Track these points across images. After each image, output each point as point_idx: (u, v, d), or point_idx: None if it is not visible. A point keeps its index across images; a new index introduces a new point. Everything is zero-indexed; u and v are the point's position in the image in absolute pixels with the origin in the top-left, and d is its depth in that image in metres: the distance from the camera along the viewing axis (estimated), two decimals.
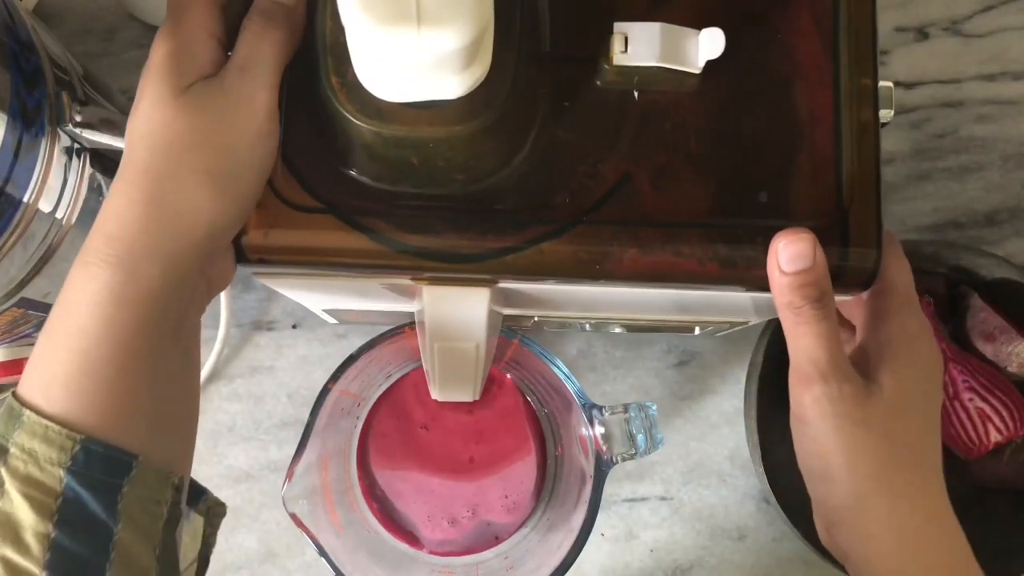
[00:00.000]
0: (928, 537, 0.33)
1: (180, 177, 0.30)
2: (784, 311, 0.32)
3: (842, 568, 0.36)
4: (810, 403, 0.32)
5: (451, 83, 0.28)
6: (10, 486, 0.28)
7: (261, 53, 0.31)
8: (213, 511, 0.35)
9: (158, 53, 0.31)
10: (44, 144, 0.40)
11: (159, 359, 0.30)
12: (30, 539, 0.27)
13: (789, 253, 0.31)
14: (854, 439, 0.32)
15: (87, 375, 0.29)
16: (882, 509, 0.33)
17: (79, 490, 0.28)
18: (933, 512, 0.33)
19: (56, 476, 0.28)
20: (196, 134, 0.30)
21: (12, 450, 0.28)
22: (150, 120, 0.30)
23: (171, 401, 0.32)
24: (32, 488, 0.28)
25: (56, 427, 0.28)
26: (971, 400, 0.51)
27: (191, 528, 0.34)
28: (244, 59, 0.31)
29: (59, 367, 0.29)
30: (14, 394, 0.29)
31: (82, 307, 0.29)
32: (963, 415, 0.51)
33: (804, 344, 0.32)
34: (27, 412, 0.28)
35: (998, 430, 0.50)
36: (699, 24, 0.32)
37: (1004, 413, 0.51)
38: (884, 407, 0.33)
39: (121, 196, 0.30)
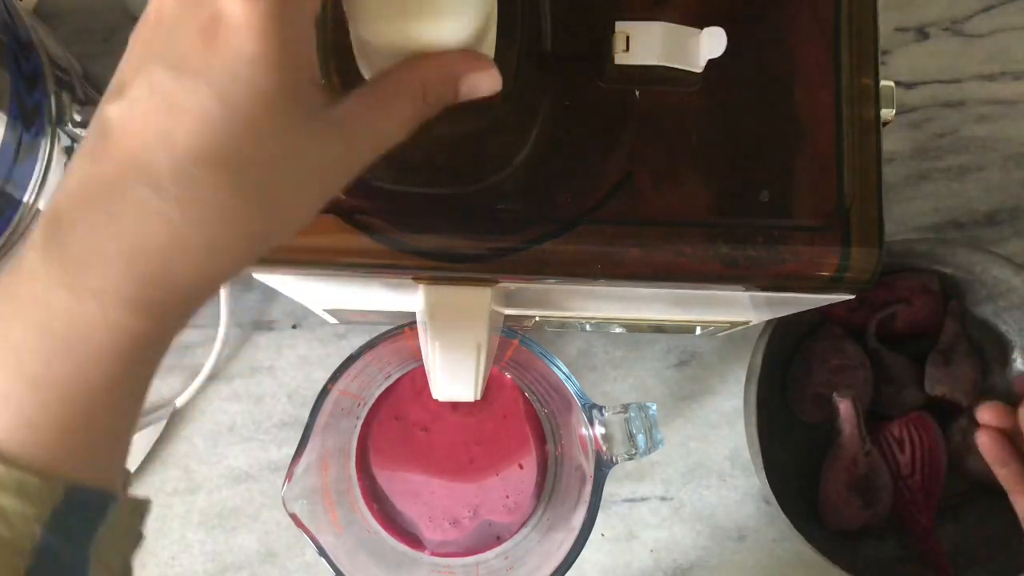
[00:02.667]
0: None
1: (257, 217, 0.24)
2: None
3: (846, 569, 0.36)
4: None
5: None
6: None
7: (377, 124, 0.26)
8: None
9: (266, 39, 0.23)
10: (44, 144, 0.40)
11: (147, 391, 0.27)
12: None
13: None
14: None
15: (78, 429, 0.24)
16: None
17: (54, 542, 0.24)
18: None
19: (28, 533, 0.24)
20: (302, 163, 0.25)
21: None
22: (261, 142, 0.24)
23: (135, 421, 0.28)
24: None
25: (34, 480, 0.23)
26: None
27: None
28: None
29: (36, 414, 0.24)
30: None
31: (88, 355, 0.24)
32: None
33: None
34: None
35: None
36: (700, 23, 0.32)
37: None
38: None
39: (162, 222, 0.23)
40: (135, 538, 0.28)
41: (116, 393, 0.25)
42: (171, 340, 0.26)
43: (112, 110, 0.23)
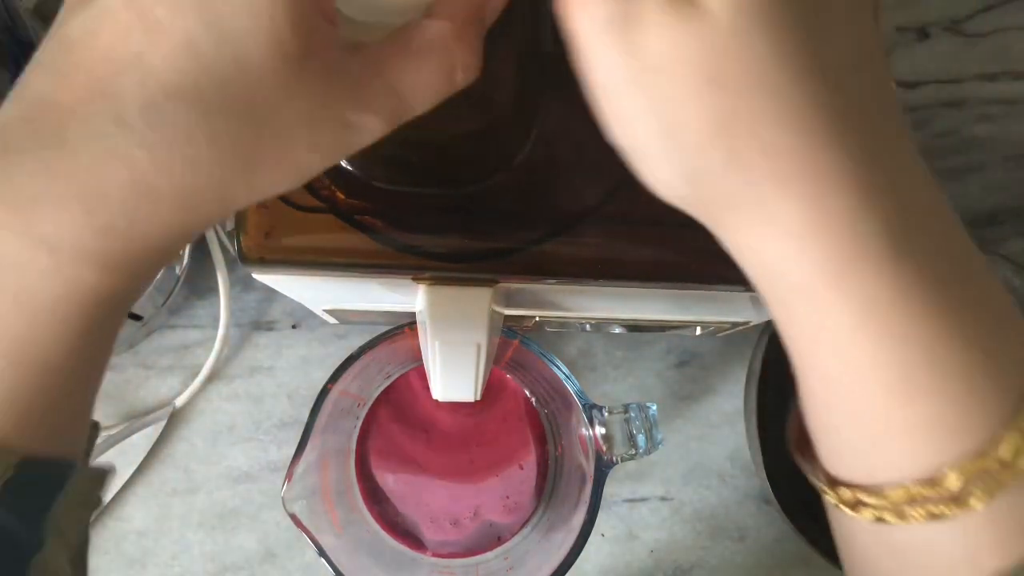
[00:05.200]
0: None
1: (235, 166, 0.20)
2: None
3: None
4: (579, 35, 0.21)
5: None
6: None
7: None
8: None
9: None
10: None
11: (110, 350, 0.24)
12: None
13: None
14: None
15: (32, 394, 0.21)
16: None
17: (5, 518, 0.21)
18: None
19: None
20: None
21: None
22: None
23: (98, 383, 0.25)
24: None
25: None
26: None
27: None
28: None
29: None
30: None
31: (40, 311, 0.21)
32: None
33: None
34: None
35: None
36: None
37: None
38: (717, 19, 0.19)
39: (127, 165, 0.19)
40: (94, 504, 0.25)
41: (74, 356, 0.22)
42: (137, 296, 0.23)
43: (76, 21, 0.20)
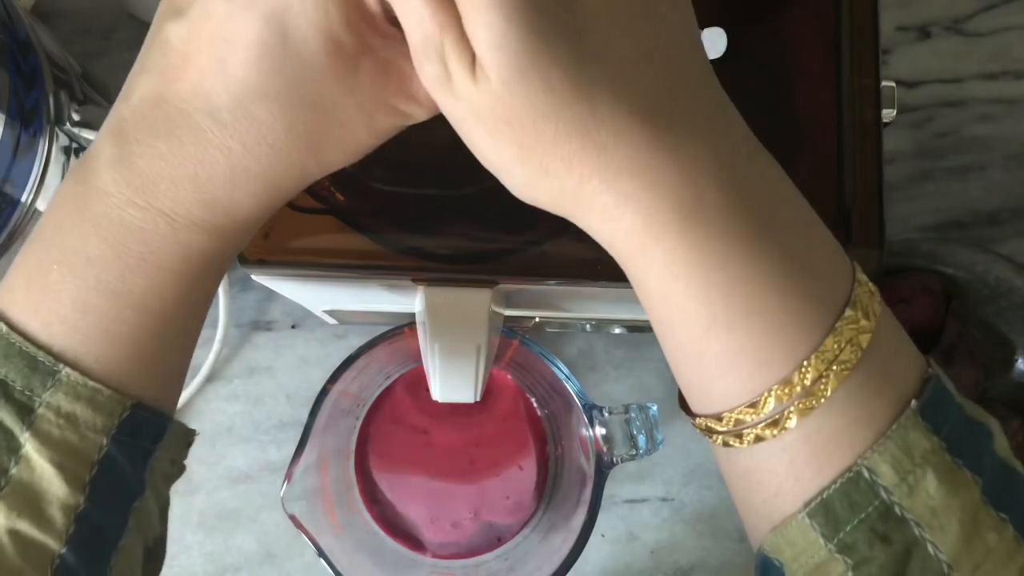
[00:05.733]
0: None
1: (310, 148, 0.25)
2: None
3: None
4: (429, 89, 0.24)
5: None
6: (35, 453, 0.24)
7: None
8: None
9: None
10: (42, 143, 0.40)
11: (207, 310, 0.28)
12: (54, 512, 0.24)
13: None
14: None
15: (149, 338, 0.26)
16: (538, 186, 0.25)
17: (117, 458, 0.25)
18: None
19: (96, 443, 0.25)
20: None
21: (43, 413, 0.24)
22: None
23: (192, 350, 0.29)
24: (67, 457, 0.24)
25: (106, 391, 0.25)
26: None
27: None
28: None
29: (113, 323, 0.25)
30: (34, 342, 0.25)
31: (160, 269, 0.25)
32: None
33: (399, 6, 0.23)
34: (66, 370, 0.25)
35: None
36: (700, 24, 0.32)
37: None
38: (485, 78, 0.22)
39: (224, 153, 0.24)
40: (179, 468, 0.30)
41: (183, 307, 0.26)
42: (231, 258, 0.27)
43: (171, 29, 0.24)
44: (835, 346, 0.24)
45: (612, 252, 0.26)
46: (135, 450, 0.26)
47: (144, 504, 0.27)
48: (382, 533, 0.50)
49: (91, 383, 0.25)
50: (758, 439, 0.25)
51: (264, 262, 0.33)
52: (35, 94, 0.40)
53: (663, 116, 0.23)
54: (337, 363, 0.44)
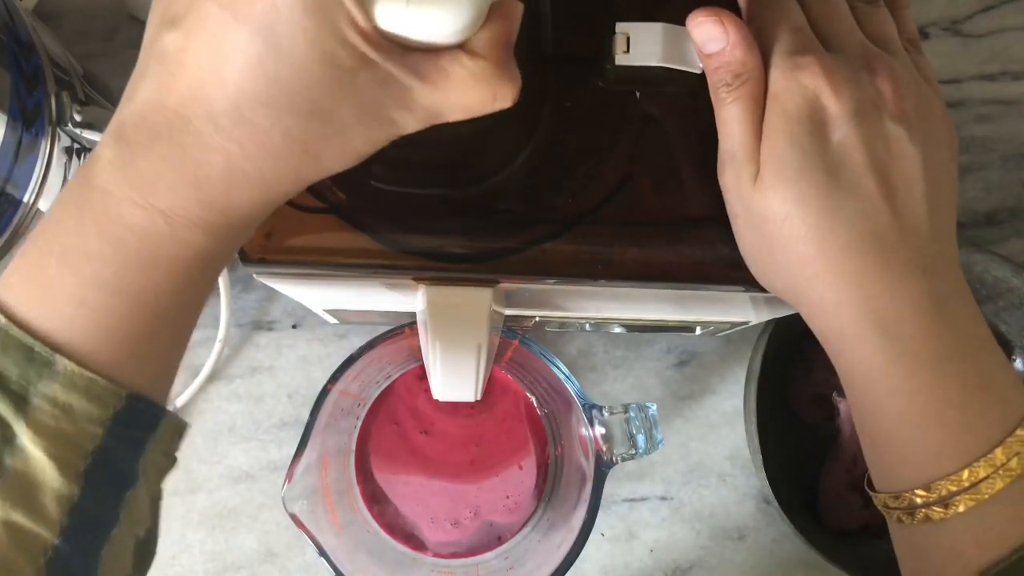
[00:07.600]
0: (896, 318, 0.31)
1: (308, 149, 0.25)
2: (712, 94, 0.32)
3: (846, 569, 0.36)
4: (724, 190, 0.32)
5: None
6: (30, 443, 0.24)
7: None
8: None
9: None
10: (44, 144, 0.40)
11: (202, 306, 0.29)
12: (49, 502, 0.24)
13: (700, 36, 0.31)
14: (748, 224, 0.32)
15: (145, 333, 0.26)
16: (814, 299, 0.32)
17: (112, 448, 0.26)
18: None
19: (91, 434, 0.25)
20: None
21: (39, 403, 0.25)
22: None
23: (185, 345, 0.30)
24: (62, 447, 0.25)
25: (102, 381, 0.25)
26: None
27: None
28: None
29: (109, 318, 0.25)
30: (31, 333, 0.25)
31: (157, 266, 0.26)
32: None
33: (721, 128, 0.31)
34: (62, 360, 0.25)
35: None
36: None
37: None
38: (760, 183, 0.30)
39: (222, 155, 0.24)
40: (171, 460, 0.30)
41: (179, 304, 0.27)
42: (228, 258, 0.28)
43: (168, 38, 0.24)
44: (1003, 456, 0.29)
45: (823, 343, 0.33)
46: (130, 440, 0.27)
47: (136, 495, 0.27)
48: (382, 532, 0.50)
49: (87, 373, 0.25)
50: (926, 519, 0.30)
51: (266, 261, 0.33)
52: (37, 95, 0.40)
53: (890, 252, 0.30)
54: (338, 363, 0.45)
